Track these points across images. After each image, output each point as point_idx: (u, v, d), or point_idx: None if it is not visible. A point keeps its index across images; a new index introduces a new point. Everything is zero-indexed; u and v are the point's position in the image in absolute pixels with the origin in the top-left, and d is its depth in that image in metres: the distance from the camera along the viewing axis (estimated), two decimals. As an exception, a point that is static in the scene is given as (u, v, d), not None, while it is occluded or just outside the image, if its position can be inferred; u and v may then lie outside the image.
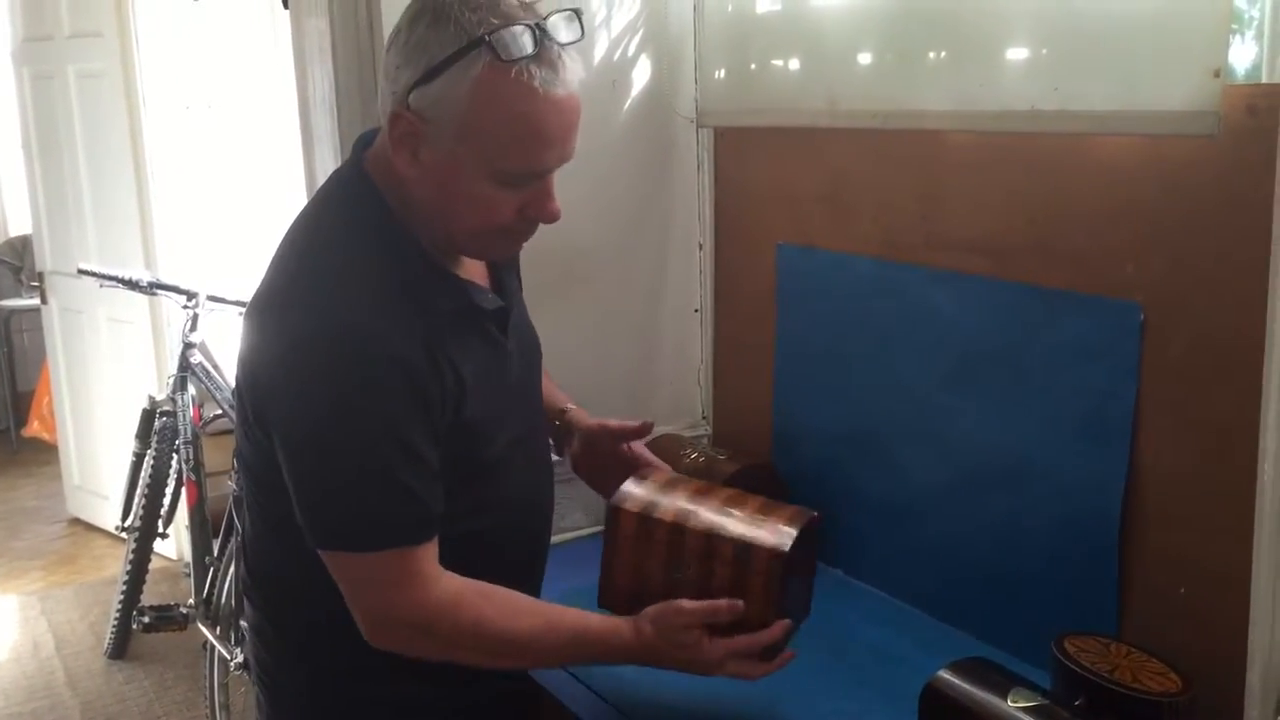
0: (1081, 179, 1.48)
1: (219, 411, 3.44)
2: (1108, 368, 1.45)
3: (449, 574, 1.31)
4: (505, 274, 1.45)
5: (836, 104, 1.79)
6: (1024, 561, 1.58)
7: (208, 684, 3.02)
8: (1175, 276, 1.38)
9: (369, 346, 1.23)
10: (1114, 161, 1.45)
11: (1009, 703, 1.23)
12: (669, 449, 2.04)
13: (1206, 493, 1.37)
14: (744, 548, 1.38)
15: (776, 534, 1.39)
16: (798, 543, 1.39)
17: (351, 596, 1.30)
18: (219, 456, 3.63)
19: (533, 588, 1.52)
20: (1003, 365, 1.59)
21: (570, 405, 1.64)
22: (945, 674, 1.29)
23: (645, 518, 1.43)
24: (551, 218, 1.30)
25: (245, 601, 1.51)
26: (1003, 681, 1.26)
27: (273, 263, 1.33)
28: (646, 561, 1.43)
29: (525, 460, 1.44)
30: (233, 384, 1.45)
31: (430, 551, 1.29)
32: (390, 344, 1.24)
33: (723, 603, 1.36)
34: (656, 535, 1.42)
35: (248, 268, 1.29)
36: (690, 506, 1.44)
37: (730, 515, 1.43)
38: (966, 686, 1.26)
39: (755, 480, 1.94)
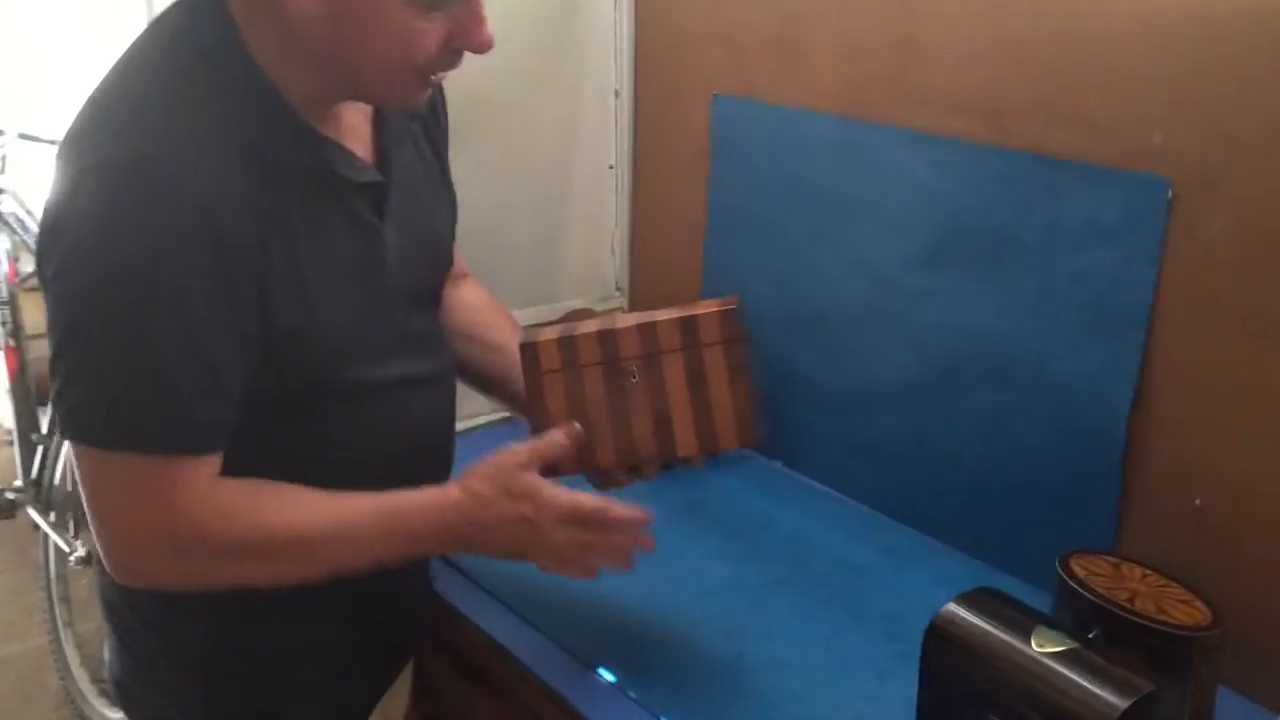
0: (1103, 27, 1.26)
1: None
2: (1123, 251, 1.27)
3: (222, 482, 1.05)
4: (395, 146, 1.17)
5: (796, -71, 1.52)
6: (1008, 464, 1.41)
7: (44, 575, 2.71)
8: (1214, 148, 1.19)
9: (166, 184, 0.96)
10: (1146, 8, 1.23)
11: (1033, 646, 1.07)
12: (584, 326, 1.81)
13: (1234, 393, 1.22)
14: (688, 322, 1.17)
15: (716, 304, 1.19)
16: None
17: (90, 506, 1.04)
18: (42, 317, 3.23)
19: None
20: (991, 244, 1.39)
21: None
22: (956, 609, 1.12)
23: (566, 339, 1.20)
24: (484, 46, 1.05)
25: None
26: (1021, 619, 1.10)
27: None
28: (582, 386, 1.19)
29: (410, 398, 1.18)
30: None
31: (198, 469, 1.03)
32: (196, 186, 0.97)
33: (554, 433, 1.17)
34: (584, 353, 1.19)
35: (72, 102, 1.02)
36: (609, 323, 1.22)
37: (653, 313, 1.21)
38: (983, 626, 1.10)
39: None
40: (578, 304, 1.93)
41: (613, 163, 1.92)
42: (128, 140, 0.97)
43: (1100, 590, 1.17)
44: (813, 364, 1.64)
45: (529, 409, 1.21)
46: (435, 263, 1.25)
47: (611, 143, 1.91)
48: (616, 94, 1.89)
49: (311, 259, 1.05)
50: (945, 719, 1.12)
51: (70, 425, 1.01)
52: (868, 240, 1.53)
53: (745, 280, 1.72)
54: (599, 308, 1.94)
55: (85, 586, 2.75)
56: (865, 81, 1.50)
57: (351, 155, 1.10)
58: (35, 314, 3.20)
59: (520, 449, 1.15)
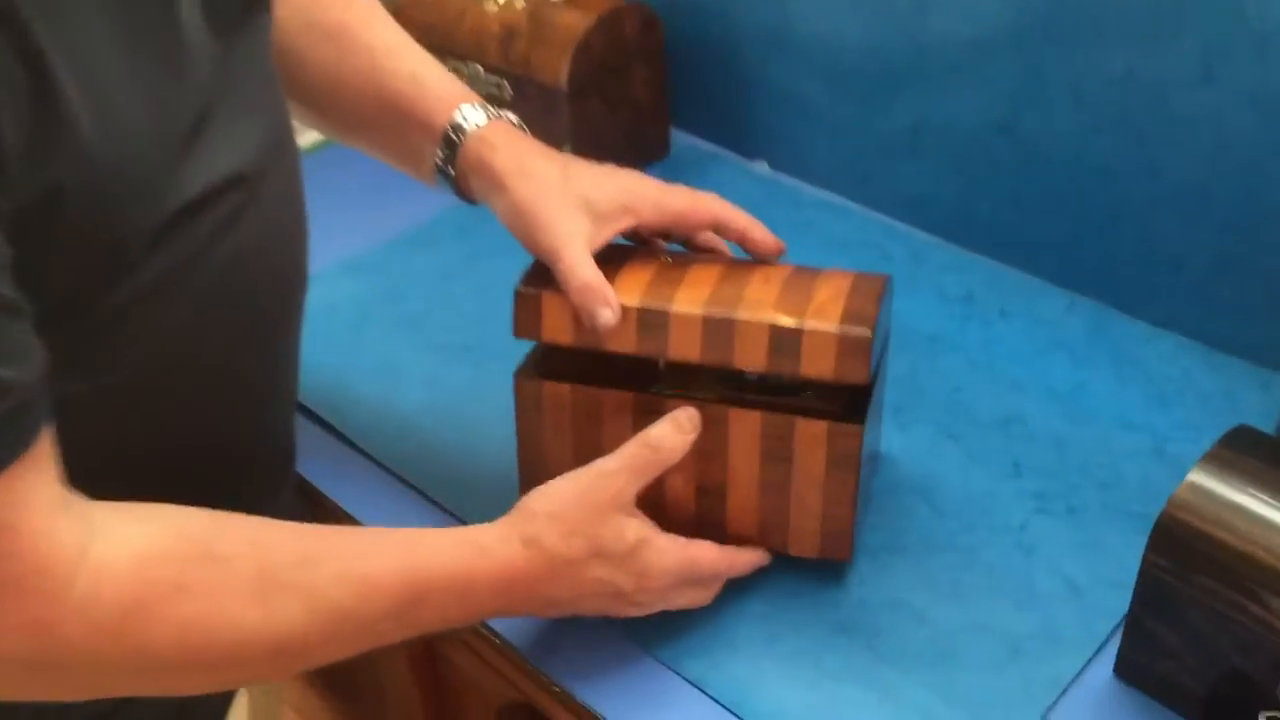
0: None
1: None
2: None
3: (99, 513, 0.55)
4: None
5: None
6: (1152, 162, 0.91)
7: None
8: None
9: None
10: None
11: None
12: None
13: None
14: (785, 339, 0.69)
15: (845, 293, 0.71)
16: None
17: None
18: None
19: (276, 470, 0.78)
20: None
21: (467, 114, 0.77)
22: (1206, 481, 0.64)
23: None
24: None
25: None
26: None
27: None
28: (599, 419, 0.74)
29: (244, 209, 0.63)
30: None
31: (38, 474, 0.52)
32: None
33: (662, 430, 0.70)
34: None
35: None
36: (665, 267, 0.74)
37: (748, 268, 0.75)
38: (1268, 513, 0.63)
39: (625, 32, 1.13)
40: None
41: None
42: None
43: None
44: (816, 19, 1.06)
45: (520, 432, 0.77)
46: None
47: None
48: None
49: (61, 47, 0.50)
50: (1186, 668, 0.68)
51: None
52: None
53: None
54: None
55: None
56: None
57: None
58: None
59: (616, 469, 0.68)
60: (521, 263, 0.75)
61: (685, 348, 0.70)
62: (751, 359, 0.69)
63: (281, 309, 0.71)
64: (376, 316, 1.01)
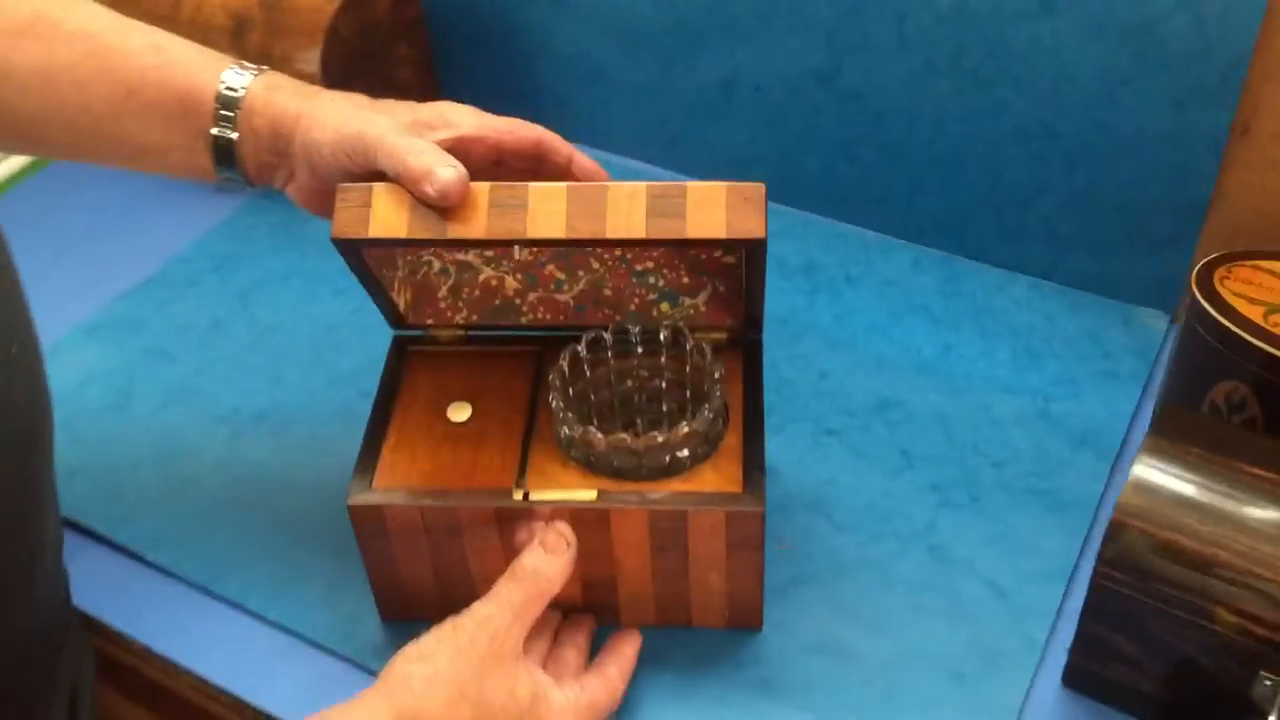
0: None
1: None
2: None
3: None
4: None
5: None
6: (987, 93, 0.84)
7: None
8: None
9: None
10: None
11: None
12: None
13: None
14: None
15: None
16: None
17: None
18: None
19: None
20: None
21: (237, 72, 0.65)
22: (1150, 473, 0.58)
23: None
24: None
25: None
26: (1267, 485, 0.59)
27: None
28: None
29: None
30: None
31: None
32: None
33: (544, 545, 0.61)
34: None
35: None
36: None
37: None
38: (1225, 503, 0.57)
39: (376, 8, 0.97)
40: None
41: None
42: None
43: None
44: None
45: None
46: None
47: None
48: None
49: None
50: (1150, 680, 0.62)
51: None
52: None
53: None
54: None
55: None
56: None
57: None
58: None
59: (494, 612, 0.58)
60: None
61: (548, 222, 0.58)
62: (627, 224, 0.58)
63: (20, 458, 0.55)
64: (140, 389, 0.84)
